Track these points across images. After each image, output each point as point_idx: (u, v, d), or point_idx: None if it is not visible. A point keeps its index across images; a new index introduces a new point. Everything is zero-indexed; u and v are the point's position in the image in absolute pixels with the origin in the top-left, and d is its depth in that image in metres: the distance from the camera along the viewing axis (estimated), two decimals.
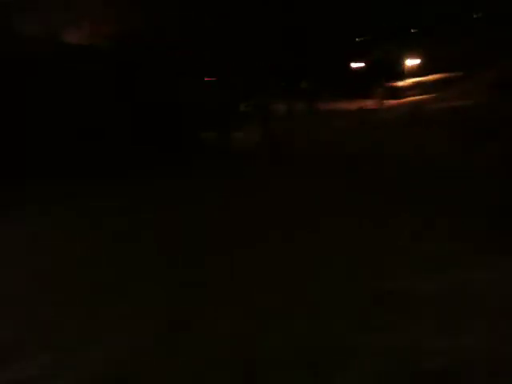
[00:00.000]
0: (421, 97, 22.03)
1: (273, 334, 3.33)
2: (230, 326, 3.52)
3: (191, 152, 14.44)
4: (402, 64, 26.66)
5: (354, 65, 28.12)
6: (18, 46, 12.56)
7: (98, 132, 13.35)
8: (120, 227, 6.79)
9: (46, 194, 9.50)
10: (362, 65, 27.91)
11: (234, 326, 3.52)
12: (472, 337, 3.10)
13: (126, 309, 3.97)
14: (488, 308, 3.48)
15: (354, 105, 21.27)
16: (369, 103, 21.81)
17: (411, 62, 26.65)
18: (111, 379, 2.97)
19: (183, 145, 14.96)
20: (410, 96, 23.16)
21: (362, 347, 3.06)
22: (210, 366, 3.02)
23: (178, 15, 17.24)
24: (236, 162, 12.55)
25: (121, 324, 3.71)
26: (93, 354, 3.27)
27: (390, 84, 24.83)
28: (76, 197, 9.20)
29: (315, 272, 4.48)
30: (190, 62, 17.06)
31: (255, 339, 3.29)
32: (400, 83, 25.22)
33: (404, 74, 26.20)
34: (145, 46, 15.59)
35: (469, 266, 4.27)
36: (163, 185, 10.12)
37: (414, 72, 26.06)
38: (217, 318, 3.66)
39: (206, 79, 20.21)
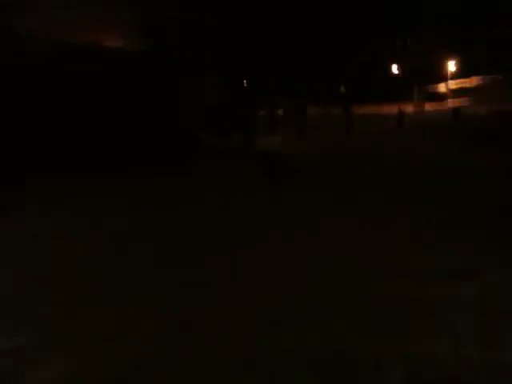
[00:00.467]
0: (461, 100, 21.55)
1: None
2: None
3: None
4: (443, 67, 26.08)
5: (394, 68, 27.56)
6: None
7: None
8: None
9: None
10: (402, 68, 27.34)
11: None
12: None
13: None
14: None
15: (393, 109, 20.70)
16: (409, 107, 21.22)
17: (453, 65, 26.07)
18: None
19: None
20: (450, 100, 22.64)
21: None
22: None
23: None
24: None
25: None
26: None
27: (431, 88, 24.26)
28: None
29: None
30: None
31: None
32: (441, 87, 24.64)
33: (445, 78, 25.62)
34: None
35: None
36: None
37: (456, 75, 25.48)
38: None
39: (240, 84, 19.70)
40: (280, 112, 20.05)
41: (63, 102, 12.93)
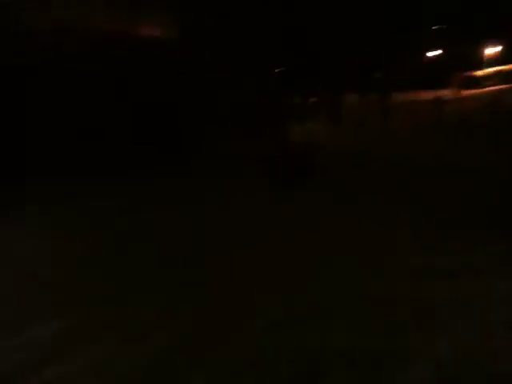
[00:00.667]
0: (500, 86, 20.60)
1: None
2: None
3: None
4: (480, 52, 25.07)
5: (430, 53, 26.48)
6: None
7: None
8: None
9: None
10: (438, 53, 26.27)
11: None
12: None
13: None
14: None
15: (429, 95, 19.91)
16: (446, 93, 20.34)
17: (490, 50, 25.05)
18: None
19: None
20: (488, 86, 21.59)
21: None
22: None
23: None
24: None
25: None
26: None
27: (468, 73, 23.33)
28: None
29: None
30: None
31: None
32: (479, 72, 23.60)
33: (483, 63, 24.59)
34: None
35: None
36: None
37: (494, 60, 24.44)
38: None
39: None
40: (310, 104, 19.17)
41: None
